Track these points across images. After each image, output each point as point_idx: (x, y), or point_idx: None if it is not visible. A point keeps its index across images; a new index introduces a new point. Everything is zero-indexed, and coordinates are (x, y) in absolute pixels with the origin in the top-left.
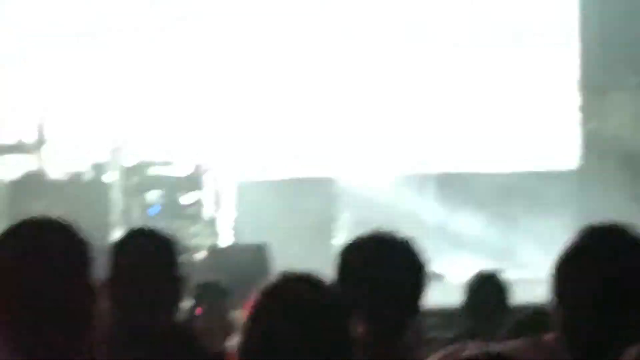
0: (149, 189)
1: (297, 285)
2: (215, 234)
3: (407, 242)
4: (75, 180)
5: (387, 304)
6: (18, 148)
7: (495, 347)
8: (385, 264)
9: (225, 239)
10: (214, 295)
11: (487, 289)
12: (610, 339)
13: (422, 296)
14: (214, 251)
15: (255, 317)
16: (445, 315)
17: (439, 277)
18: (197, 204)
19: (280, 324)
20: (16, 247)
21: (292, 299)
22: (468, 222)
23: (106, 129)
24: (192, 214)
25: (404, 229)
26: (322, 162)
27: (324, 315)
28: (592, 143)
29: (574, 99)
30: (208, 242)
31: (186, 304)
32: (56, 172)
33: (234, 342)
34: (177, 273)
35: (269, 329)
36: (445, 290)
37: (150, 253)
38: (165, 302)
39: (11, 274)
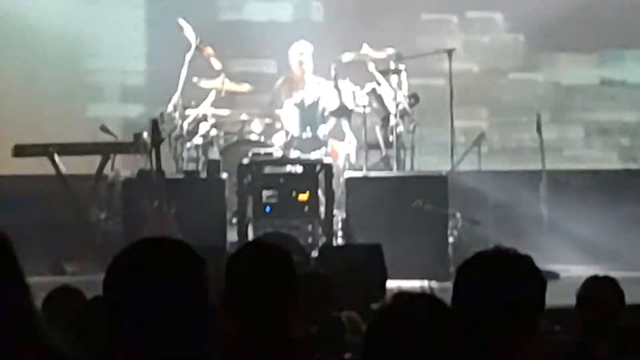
0: (263, 187)
1: (414, 306)
2: (330, 233)
3: (529, 259)
4: (190, 178)
5: (506, 323)
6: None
7: None
8: (508, 281)
9: (339, 238)
10: None
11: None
12: None
13: (541, 315)
14: (328, 250)
15: (374, 339)
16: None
17: (554, 275)
18: (312, 201)
19: (399, 345)
20: (134, 267)
21: (410, 320)
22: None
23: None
24: (307, 212)
25: (519, 227)
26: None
27: (441, 336)
28: None
29: None
30: (322, 240)
31: None
32: (171, 170)
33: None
34: (294, 286)
35: (388, 350)
36: (559, 288)
37: (266, 267)
38: (283, 314)
39: (129, 292)
